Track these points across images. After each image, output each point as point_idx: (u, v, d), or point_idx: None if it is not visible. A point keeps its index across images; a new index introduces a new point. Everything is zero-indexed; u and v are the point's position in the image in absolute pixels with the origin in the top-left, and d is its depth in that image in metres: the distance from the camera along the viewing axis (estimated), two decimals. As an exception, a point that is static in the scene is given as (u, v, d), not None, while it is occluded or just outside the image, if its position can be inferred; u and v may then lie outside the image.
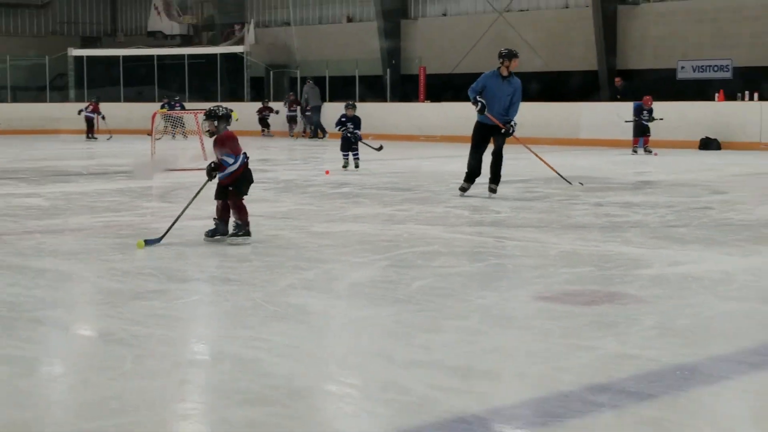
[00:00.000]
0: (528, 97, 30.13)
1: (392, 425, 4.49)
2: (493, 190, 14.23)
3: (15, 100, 39.45)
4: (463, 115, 30.78)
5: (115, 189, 15.87)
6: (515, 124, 14.18)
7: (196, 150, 20.97)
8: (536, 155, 16.03)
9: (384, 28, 35.79)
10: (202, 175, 9.94)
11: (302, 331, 6.34)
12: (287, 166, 20.91)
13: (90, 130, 33.16)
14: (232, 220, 9.90)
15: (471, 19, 34.57)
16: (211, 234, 9.96)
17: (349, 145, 19.74)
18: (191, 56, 39.71)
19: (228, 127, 10.03)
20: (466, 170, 14.53)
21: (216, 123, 9.92)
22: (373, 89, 34.77)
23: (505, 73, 14.15)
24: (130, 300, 7.25)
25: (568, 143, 27.78)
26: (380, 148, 20.28)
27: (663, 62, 31.05)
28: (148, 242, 9.65)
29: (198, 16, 43.06)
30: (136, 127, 33.05)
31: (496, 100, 14.06)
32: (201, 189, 10.02)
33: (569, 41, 31.89)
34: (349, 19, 38.27)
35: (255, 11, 41.05)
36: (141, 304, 7.08)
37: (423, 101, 33.66)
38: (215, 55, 39.28)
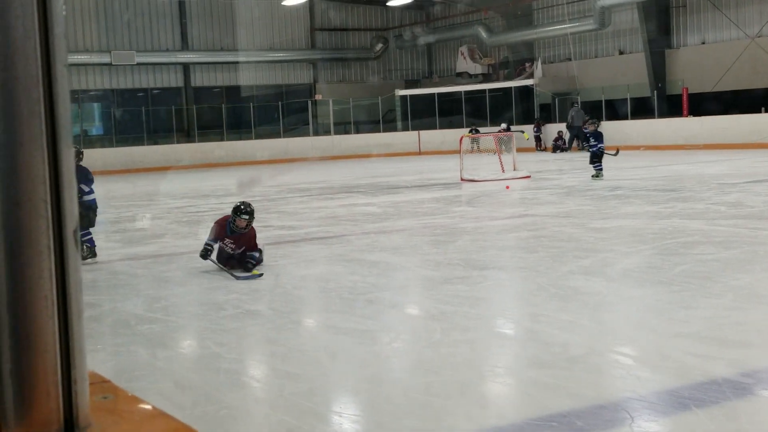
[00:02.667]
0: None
1: (654, 386, 4.33)
2: None
3: (357, 131, 41.06)
4: (722, 126, 29.35)
5: (432, 198, 16.16)
6: None
7: (495, 165, 21.08)
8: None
9: (651, 58, 34.53)
10: (504, 185, 9.85)
11: (578, 308, 6.21)
12: (570, 175, 20.55)
13: (538, 146, 34.11)
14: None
15: (726, 45, 32.71)
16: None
17: (593, 157, 18.45)
18: (491, 90, 39.88)
19: None
20: None
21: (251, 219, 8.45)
22: (642, 108, 33.64)
23: None
24: (441, 284, 7.37)
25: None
26: (616, 153, 19.26)
27: None
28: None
29: (495, 58, 43.18)
30: (448, 149, 33.58)
31: None
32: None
33: (817, 58, 29.55)
34: (621, 52, 37.15)
35: (542, 50, 40.72)
36: (449, 287, 7.18)
37: (686, 116, 32.19)
38: (510, 88, 39.23)
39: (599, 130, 18.88)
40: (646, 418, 3.86)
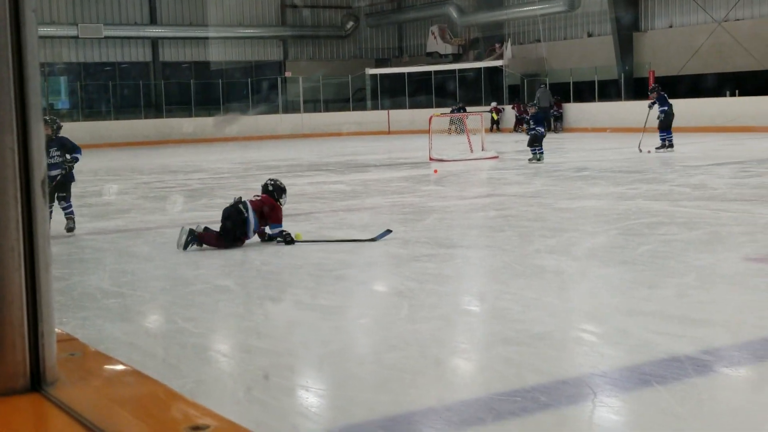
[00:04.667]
0: (745, 92, 28.74)
1: (617, 363, 4.38)
2: None
3: (326, 109, 40.91)
4: (686, 108, 29.53)
5: (401, 176, 16.16)
6: None
7: (464, 145, 21.12)
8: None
9: (619, 41, 34.70)
10: (472, 165, 9.85)
11: (543, 286, 6.26)
12: (538, 156, 20.62)
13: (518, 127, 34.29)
14: None
15: (693, 29, 32.94)
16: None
17: (534, 140, 18.02)
18: (461, 71, 39.90)
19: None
20: None
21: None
22: (610, 91, 33.85)
23: None
24: (408, 262, 7.38)
25: (781, 130, 26.07)
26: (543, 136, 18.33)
27: None
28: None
29: (466, 39, 43.17)
30: (418, 129, 33.51)
31: None
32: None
33: (781, 43, 29.83)
34: (589, 35, 37.29)
35: (512, 32, 40.78)
36: (416, 265, 7.20)
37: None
38: (480, 68, 39.27)
39: (540, 112, 18.67)
40: (608, 393, 3.90)
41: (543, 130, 18.26)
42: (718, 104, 29.03)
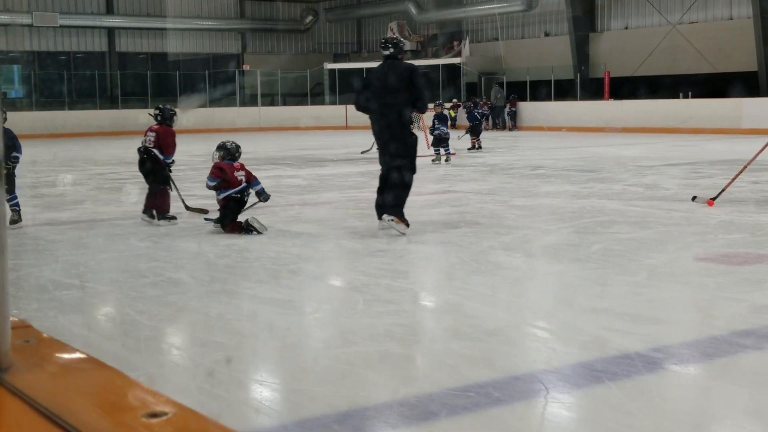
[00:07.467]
0: (698, 94, 29.15)
1: (569, 359, 4.42)
2: None
3: (284, 104, 40.74)
4: (640, 109, 29.91)
5: (358, 171, 16.16)
6: None
7: (421, 141, 21.12)
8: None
9: (575, 41, 35.00)
10: (428, 161, 9.78)
11: (498, 282, 6.30)
12: (494, 153, 20.74)
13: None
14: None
15: (648, 31, 33.36)
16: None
17: (438, 141, 17.61)
18: (419, 67, 39.97)
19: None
20: None
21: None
22: (566, 90, 34.15)
23: None
24: (364, 257, 7.39)
25: (731, 132, 26.49)
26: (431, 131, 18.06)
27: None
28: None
29: (424, 35, 43.27)
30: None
31: None
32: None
33: (733, 47, 30.29)
34: (546, 34, 37.59)
35: (470, 29, 40.93)
36: (372, 260, 7.20)
37: (607, 99, 32.77)
38: (438, 65, 39.36)
39: (444, 112, 18.40)
40: (560, 389, 3.94)
41: (447, 129, 17.88)
42: (671, 106, 29.43)
